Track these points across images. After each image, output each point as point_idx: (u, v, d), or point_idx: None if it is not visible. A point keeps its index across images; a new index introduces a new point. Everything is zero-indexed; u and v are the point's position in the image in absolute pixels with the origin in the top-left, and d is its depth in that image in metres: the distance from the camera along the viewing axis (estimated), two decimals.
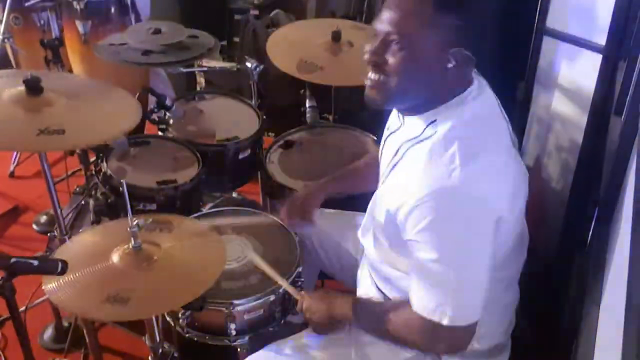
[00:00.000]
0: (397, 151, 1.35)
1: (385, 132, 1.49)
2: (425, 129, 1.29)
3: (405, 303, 1.34)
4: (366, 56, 1.29)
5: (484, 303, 1.28)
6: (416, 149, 1.30)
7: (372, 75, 1.29)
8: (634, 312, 0.99)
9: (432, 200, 1.20)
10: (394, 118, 1.46)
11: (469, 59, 1.25)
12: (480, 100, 1.31)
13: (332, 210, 1.89)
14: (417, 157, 1.29)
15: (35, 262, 1.33)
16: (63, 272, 1.34)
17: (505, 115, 1.39)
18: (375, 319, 1.42)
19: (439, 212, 1.20)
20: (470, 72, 1.32)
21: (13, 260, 1.31)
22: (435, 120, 1.28)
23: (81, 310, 1.48)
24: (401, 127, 1.39)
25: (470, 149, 1.23)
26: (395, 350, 1.43)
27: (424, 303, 1.28)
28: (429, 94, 1.29)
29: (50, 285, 1.41)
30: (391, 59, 1.25)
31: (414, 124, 1.33)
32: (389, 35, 1.24)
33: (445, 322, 1.26)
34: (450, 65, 1.23)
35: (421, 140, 1.29)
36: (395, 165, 1.35)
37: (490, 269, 1.26)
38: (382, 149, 1.49)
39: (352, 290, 1.67)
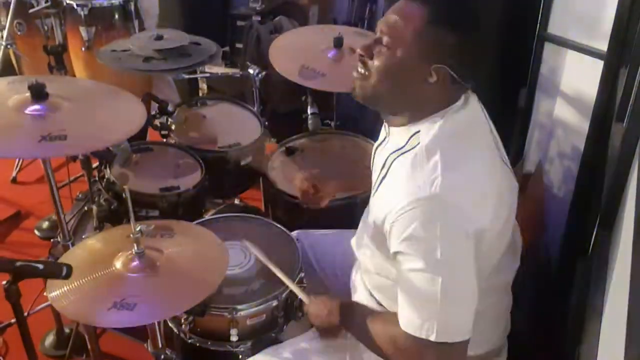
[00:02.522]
0: (385, 163, 1.36)
1: (375, 145, 1.50)
2: (409, 139, 1.30)
3: (395, 318, 1.31)
4: (357, 50, 1.33)
5: (473, 318, 1.25)
6: (401, 160, 1.31)
7: (358, 68, 1.34)
8: (637, 318, 0.99)
9: (414, 209, 1.21)
10: (382, 130, 1.47)
11: (455, 81, 1.25)
12: (465, 111, 1.31)
13: (330, 231, 1.90)
14: (401, 168, 1.30)
15: (41, 266, 1.34)
16: (68, 276, 1.34)
17: (492, 127, 1.39)
18: (363, 328, 1.41)
19: (422, 221, 1.20)
20: (458, 93, 1.31)
21: (18, 264, 1.32)
22: (419, 131, 1.29)
23: (88, 318, 1.47)
24: (387, 138, 1.41)
25: (453, 159, 1.23)
26: None
27: (411, 319, 1.26)
28: (410, 105, 1.30)
29: (55, 293, 1.41)
30: (376, 58, 1.29)
31: (399, 135, 1.34)
32: (381, 35, 1.28)
33: (432, 337, 1.22)
34: (431, 81, 1.25)
35: (405, 151, 1.30)
36: (383, 177, 1.36)
37: (477, 280, 1.25)
38: (373, 161, 1.50)
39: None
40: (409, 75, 1.26)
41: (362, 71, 1.32)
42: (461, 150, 1.27)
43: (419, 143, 1.27)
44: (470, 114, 1.34)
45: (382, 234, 1.30)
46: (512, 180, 1.39)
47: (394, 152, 1.34)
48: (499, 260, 1.35)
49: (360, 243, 1.52)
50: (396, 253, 1.26)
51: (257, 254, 1.72)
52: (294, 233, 1.88)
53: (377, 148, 1.48)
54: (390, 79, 1.28)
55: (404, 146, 1.31)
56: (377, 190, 1.39)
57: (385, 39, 1.27)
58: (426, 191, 1.20)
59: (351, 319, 1.47)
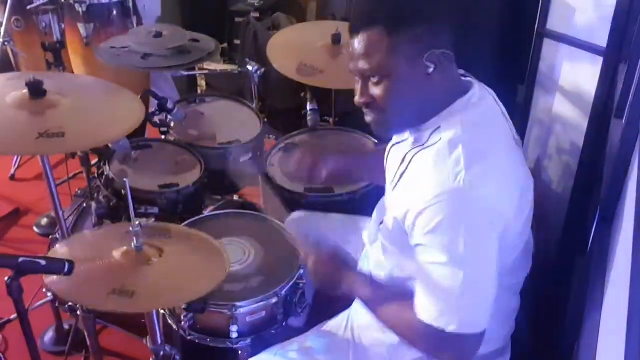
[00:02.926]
0: (404, 159, 1.36)
1: (390, 143, 1.49)
2: (430, 136, 1.30)
3: (410, 304, 1.31)
4: (356, 100, 1.33)
5: (490, 311, 1.26)
6: (422, 155, 1.31)
7: (369, 115, 1.34)
8: (636, 314, 0.99)
9: (438, 204, 1.20)
10: None
11: (447, 56, 1.25)
12: (483, 104, 1.32)
13: (333, 215, 1.89)
14: (423, 163, 1.29)
15: (43, 262, 1.34)
16: (70, 272, 1.34)
17: (509, 118, 1.39)
18: (380, 308, 1.40)
19: (446, 215, 1.20)
20: (455, 67, 1.32)
21: (21, 260, 1.32)
22: (439, 127, 1.29)
23: (88, 301, 1.48)
24: (406, 139, 1.40)
25: (475, 152, 1.23)
26: (395, 354, 1.43)
27: (429, 310, 1.26)
28: (427, 105, 1.30)
29: (53, 277, 1.41)
30: (376, 92, 1.28)
31: (418, 133, 1.34)
32: (364, 73, 1.29)
33: (450, 329, 1.23)
34: (430, 71, 1.25)
35: (427, 147, 1.30)
36: (402, 173, 1.36)
37: (497, 275, 1.26)
38: (387, 158, 1.50)
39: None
40: (412, 83, 1.27)
41: (374, 116, 1.33)
42: (483, 143, 1.27)
43: (440, 139, 1.27)
44: (489, 105, 1.34)
45: (403, 230, 1.30)
46: (529, 176, 1.39)
47: (413, 148, 1.34)
48: (514, 260, 1.36)
49: (373, 238, 1.52)
50: (417, 245, 1.27)
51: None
52: (295, 214, 1.88)
53: (393, 146, 1.48)
54: (402, 98, 1.28)
55: (425, 142, 1.31)
56: (396, 185, 1.38)
57: (369, 73, 1.27)
58: (450, 185, 1.20)
59: (365, 286, 1.45)
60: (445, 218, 1.20)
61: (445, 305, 1.24)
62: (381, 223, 1.45)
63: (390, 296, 1.42)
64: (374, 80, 1.28)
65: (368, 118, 1.35)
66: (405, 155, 1.35)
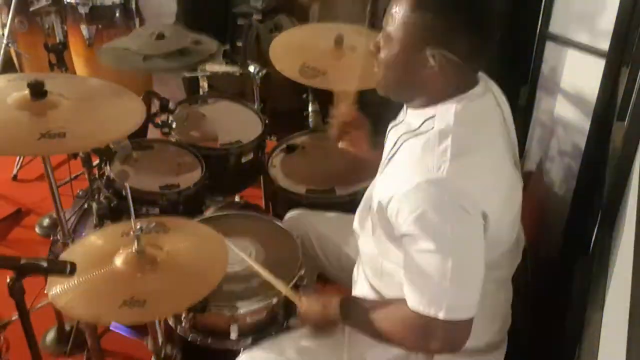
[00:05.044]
0: (396, 143, 1.38)
1: (391, 124, 1.50)
2: (423, 122, 1.32)
3: (397, 300, 1.32)
4: (370, 47, 1.38)
5: (478, 298, 1.27)
6: (412, 142, 1.32)
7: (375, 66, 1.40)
8: (638, 316, 0.99)
9: (420, 192, 1.22)
10: (401, 112, 1.48)
11: (454, 63, 1.26)
12: (482, 102, 1.33)
13: (333, 214, 1.89)
14: (411, 150, 1.31)
15: (45, 264, 1.34)
16: (72, 273, 1.34)
17: (510, 124, 1.40)
18: (366, 317, 1.41)
19: (429, 203, 1.21)
20: (469, 76, 1.33)
21: (23, 261, 1.32)
22: (433, 116, 1.30)
23: (99, 317, 1.47)
24: (403, 120, 1.42)
25: (464, 146, 1.25)
26: (389, 351, 1.43)
27: (418, 298, 1.27)
28: (420, 91, 1.33)
29: (57, 293, 1.41)
30: (382, 52, 1.35)
31: (414, 117, 1.36)
32: (384, 31, 1.33)
33: (441, 315, 1.24)
34: (430, 66, 1.26)
35: (418, 134, 1.31)
36: (392, 156, 1.37)
37: (484, 259, 1.26)
38: (385, 140, 1.51)
39: (350, 292, 1.67)
40: (408, 63, 1.30)
41: (376, 69, 1.38)
42: (473, 139, 1.28)
43: (433, 127, 1.29)
44: (488, 105, 1.36)
45: (386, 216, 1.31)
46: (519, 182, 1.40)
47: (406, 132, 1.35)
48: (500, 255, 1.37)
49: (362, 225, 1.53)
50: (404, 235, 1.27)
51: (242, 254, 1.70)
52: (295, 212, 1.88)
53: (392, 128, 1.49)
54: (393, 70, 1.33)
55: (417, 128, 1.32)
56: (384, 169, 1.40)
57: (387, 31, 1.31)
58: (434, 174, 1.22)
59: (352, 311, 1.46)
60: (429, 206, 1.21)
61: (435, 292, 1.25)
62: (370, 207, 1.46)
63: (375, 304, 1.44)
64: (384, 42, 1.33)
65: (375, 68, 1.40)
66: (398, 139, 1.37)
